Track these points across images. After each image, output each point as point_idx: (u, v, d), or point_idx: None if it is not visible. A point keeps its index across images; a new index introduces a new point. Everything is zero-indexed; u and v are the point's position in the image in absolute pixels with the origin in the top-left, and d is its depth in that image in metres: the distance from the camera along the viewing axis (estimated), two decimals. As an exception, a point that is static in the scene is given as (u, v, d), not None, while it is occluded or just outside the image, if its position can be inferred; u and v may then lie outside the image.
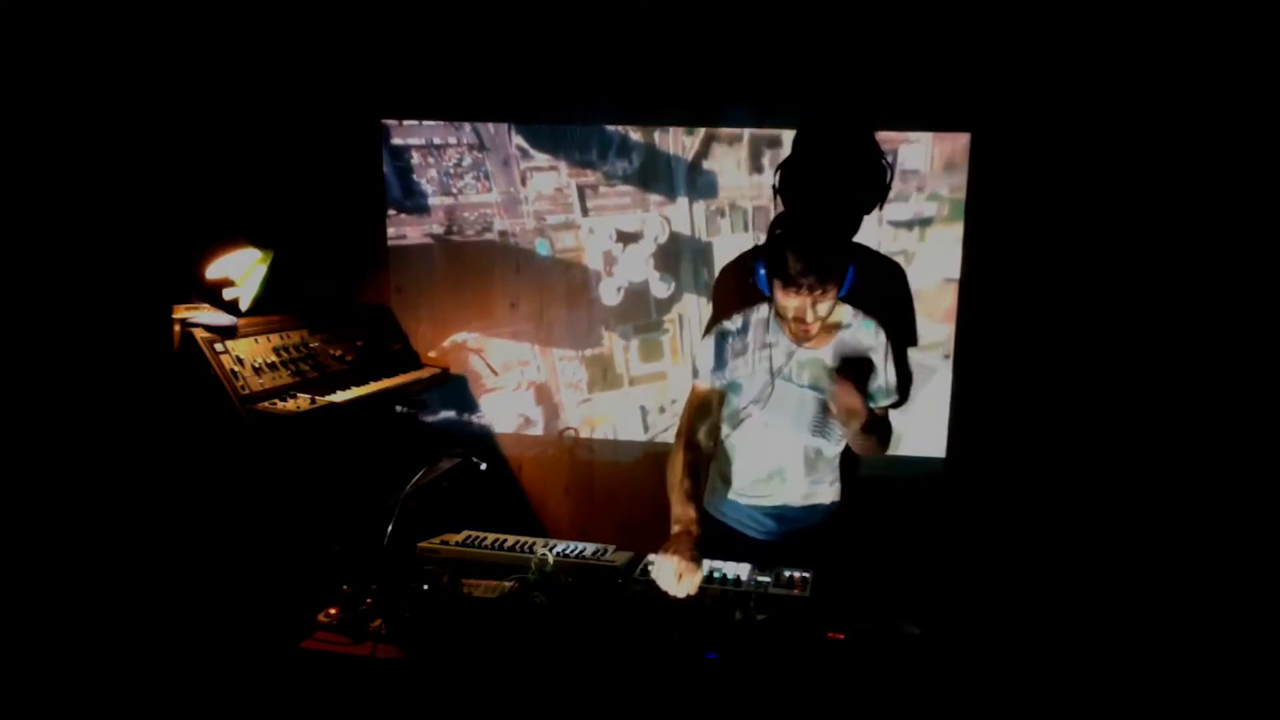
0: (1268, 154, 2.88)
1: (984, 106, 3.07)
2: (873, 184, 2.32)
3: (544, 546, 2.39)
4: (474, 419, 3.57)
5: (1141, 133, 2.96)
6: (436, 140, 3.45)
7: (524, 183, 3.45)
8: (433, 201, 3.48)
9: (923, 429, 3.30)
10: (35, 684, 2.29)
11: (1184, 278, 2.99)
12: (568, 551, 2.35)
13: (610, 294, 3.46)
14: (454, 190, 3.47)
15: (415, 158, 3.47)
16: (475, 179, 3.46)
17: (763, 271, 2.14)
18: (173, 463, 2.49)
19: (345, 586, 2.13)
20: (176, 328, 2.47)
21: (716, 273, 3.33)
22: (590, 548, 2.39)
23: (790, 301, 2.11)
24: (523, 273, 3.49)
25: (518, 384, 3.53)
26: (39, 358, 2.36)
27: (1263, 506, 2.92)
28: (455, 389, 3.54)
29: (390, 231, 3.51)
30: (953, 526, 3.17)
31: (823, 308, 2.11)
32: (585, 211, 3.43)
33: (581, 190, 3.42)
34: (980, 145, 3.10)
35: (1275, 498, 2.90)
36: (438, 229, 3.50)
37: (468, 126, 3.42)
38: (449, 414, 3.59)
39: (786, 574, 2.16)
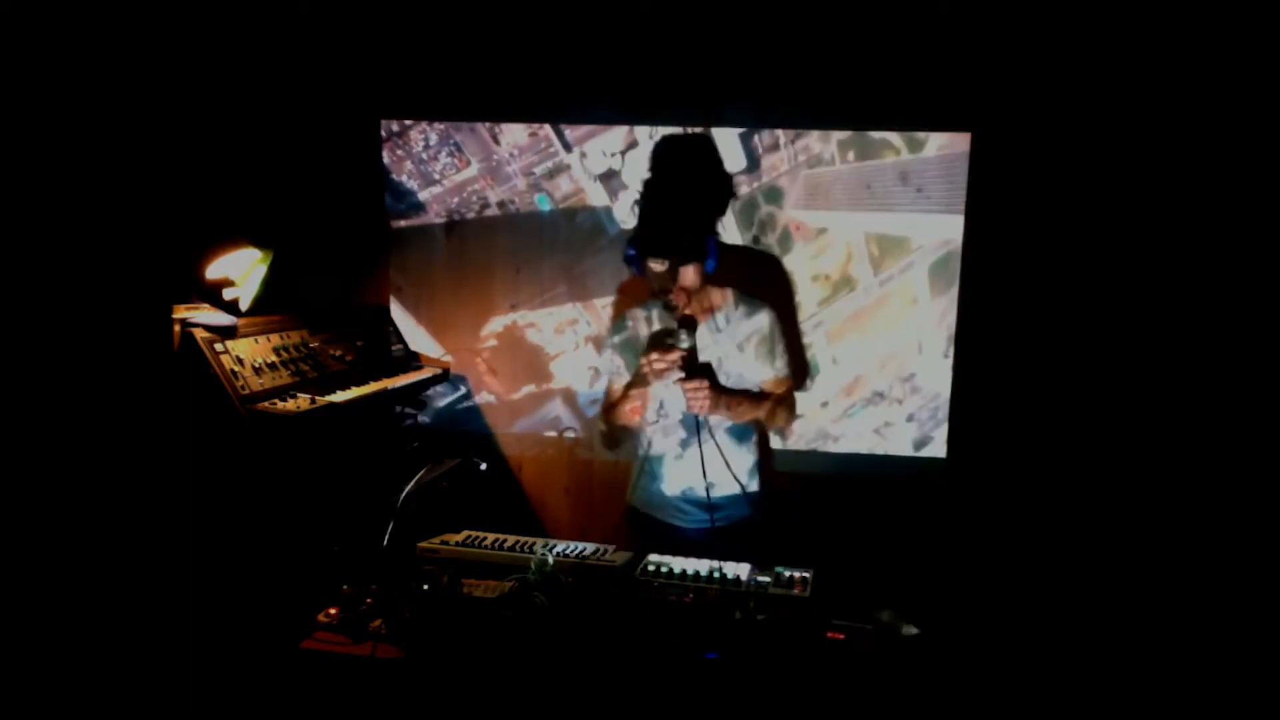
0: (1269, 152, 2.88)
1: (984, 106, 3.07)
2: (713, 193, 2.80)
3: (544, 546, 2.39)
4: (551, 386, 3.51)
5: (1143, 131, 2.96)
6: (395, 127, 3.39)
7: (496, 140, 3.37)
8: (423, 197, 3.43)
9: (922, 429, 3.30)
10: (35, 684, 2.29)
11: (1186, 276, 2.99)
12: (568, 551, 2.35)
13: (626, 212, 3.33)
14: (435, 176, 3.40)
15: (385, 155, 3.42)
16: (450, 155, 3.39)
17: (633, 252, 2.48)
18: (173, 462, 2.49)
19: (345, 586, 2.14)
20: (176, 328, 2.47)
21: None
22: (590, 548, 2.39)
23: (657, 269, 2.40)
24: (531, 237, 3.39)
25: (575, 344, 3.47)
26: (39, 358, 2.36)
27: (1264, 506, 2.92)
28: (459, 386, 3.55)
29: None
30: (953, 527, 3.17)
31: (688, 277, 2.42)
32: (568, 147, 3.34)
33: (556, 124, 3.33)
34: (980, 145, 3.10)
35: (1276, 498, 2.90)
36: (437, 220, 3.45)
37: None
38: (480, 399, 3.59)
39: (786, 574, 2.17)
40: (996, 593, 2.99)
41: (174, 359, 2.45)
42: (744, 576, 2.16)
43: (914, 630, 2.00)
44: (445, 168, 3.40)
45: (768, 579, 2.15)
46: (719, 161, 3.13)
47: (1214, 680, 2.56)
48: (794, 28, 3.06)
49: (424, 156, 3.40)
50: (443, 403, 3.57)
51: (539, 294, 3.45)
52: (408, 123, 3.38)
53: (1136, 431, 3.06)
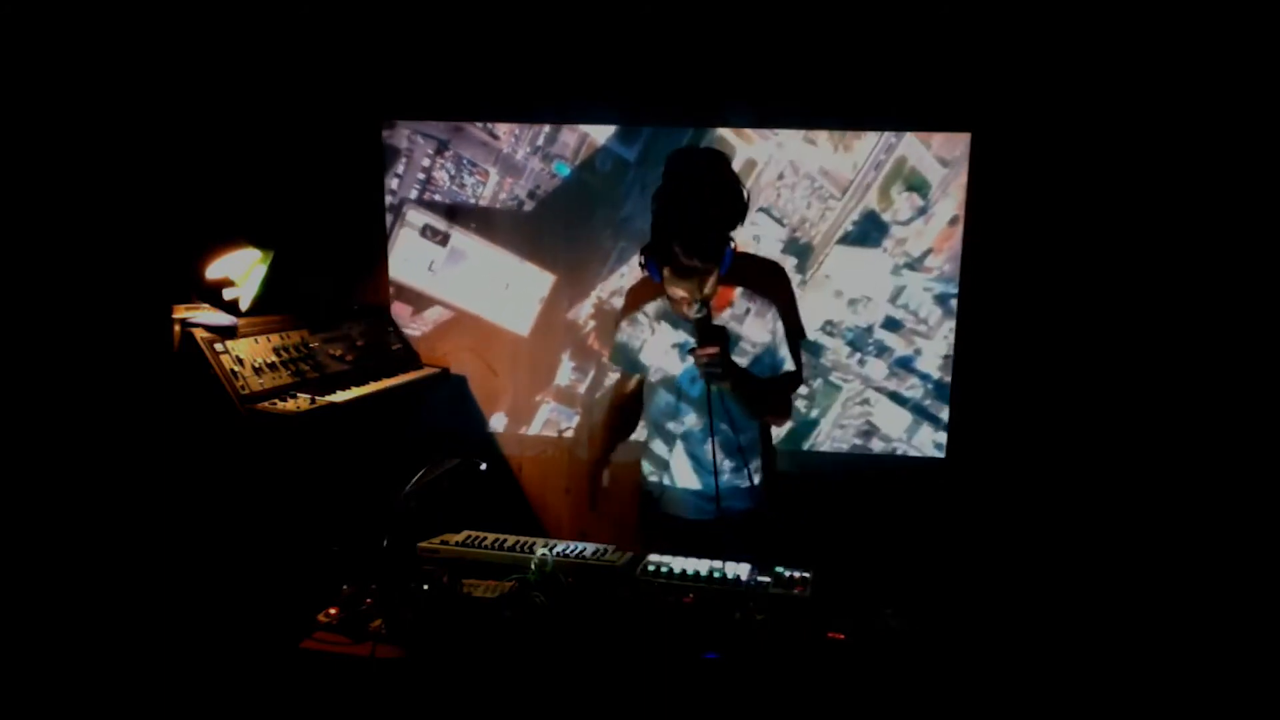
0: (1269, 152, 2.88)
1: (984, 106, 3.07)
2: (733, 205, 2.62)
3: (544, 546, 2.39)
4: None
5: (1143, 131, 2.96)
6: (419, 176, 3.39)
7: (495, 136, 3.36)
8: (479, 212, 3.42)
9: (922, 428, 3.31)
10: (36, 684, 2.30)
11: (1185, 277, 2.99)
12: (568, 551, 2.35)
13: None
14: (473, 199, 3.40)
15: (419, 217, 3.43)
16: (471, 174, 3.39)
17: (653, 263, 2.47)
18: (173, 462, 2.49)
19: (345, 586, 2.13)
20: (176, 328, 2.47)
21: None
22: (590, 548, 2.39)
23: (680, 283, 2.41)
24: (571, 210, 3.37)
25: None
26: (40, 358, 2.36)
27: (1263, 505, 2.92)
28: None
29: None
30: (952, 526, 3.17)
31: (709, 287, 2.41)
32: None
33: (557, 124, 3.34)
34: (980, 145, 3.10)
35: (1275, 497, 2.90)
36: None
37: (419, 138, 3.37)
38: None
39: (786, 574, 2.17)
40: (995, 590, 3.00)
41: (174, 359, 2.46)
42: (744, 576, 2.16)
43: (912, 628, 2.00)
44: (474, 186, 3.41)
45: (768, 579, 2.15)
46: (732, 175, 2.92)
47: (1211, 678, 2.56)
48: (794, 27, 3.07)
49: (454, 188, 3.41)
50: (581, 389, 3.53)
51: (603, 263, 3.40)
52: (424, 162, 3.38)
53: (1135, 430, 3.07)
